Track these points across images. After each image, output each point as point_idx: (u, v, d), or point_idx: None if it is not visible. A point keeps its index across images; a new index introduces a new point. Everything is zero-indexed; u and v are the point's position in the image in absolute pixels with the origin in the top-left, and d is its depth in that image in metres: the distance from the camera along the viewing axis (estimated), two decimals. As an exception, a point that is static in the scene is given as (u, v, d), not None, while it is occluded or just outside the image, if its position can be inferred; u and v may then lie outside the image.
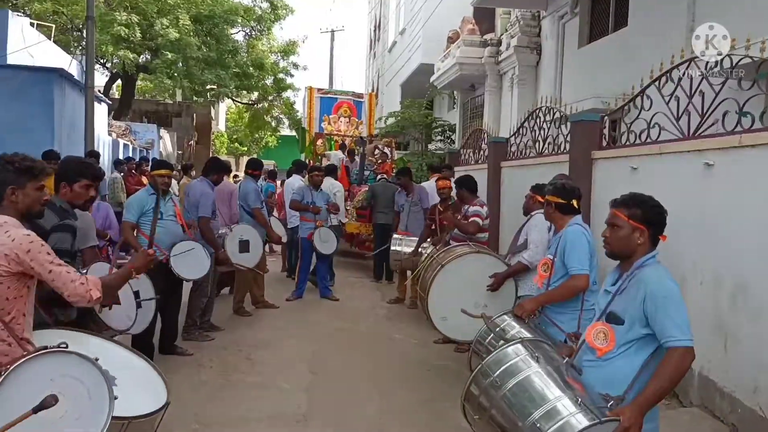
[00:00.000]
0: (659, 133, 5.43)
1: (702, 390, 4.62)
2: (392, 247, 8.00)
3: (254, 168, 8.14)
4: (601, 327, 2.73)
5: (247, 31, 23.63)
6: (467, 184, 6.50)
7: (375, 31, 33.67)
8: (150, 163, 10.41)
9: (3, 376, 2.09)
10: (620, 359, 2.66)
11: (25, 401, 2.06)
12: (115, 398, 2.30)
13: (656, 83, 5.45)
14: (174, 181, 12.04)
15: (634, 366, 2.63)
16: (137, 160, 13.71)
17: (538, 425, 2.45)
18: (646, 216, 2.71)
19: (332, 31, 37.23)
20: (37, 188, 2.86)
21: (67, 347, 2.32)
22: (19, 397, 2.09)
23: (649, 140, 5.59)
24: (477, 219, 6.22)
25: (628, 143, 5.99)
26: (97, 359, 2.31)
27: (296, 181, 9.85)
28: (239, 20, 21.98)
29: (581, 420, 2.39)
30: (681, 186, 4.94)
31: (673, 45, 6.89)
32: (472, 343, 3.62)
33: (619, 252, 2.77)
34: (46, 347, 2.33)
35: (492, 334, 3.51)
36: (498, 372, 2.70)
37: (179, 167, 14.61)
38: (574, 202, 3.98)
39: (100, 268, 4.07)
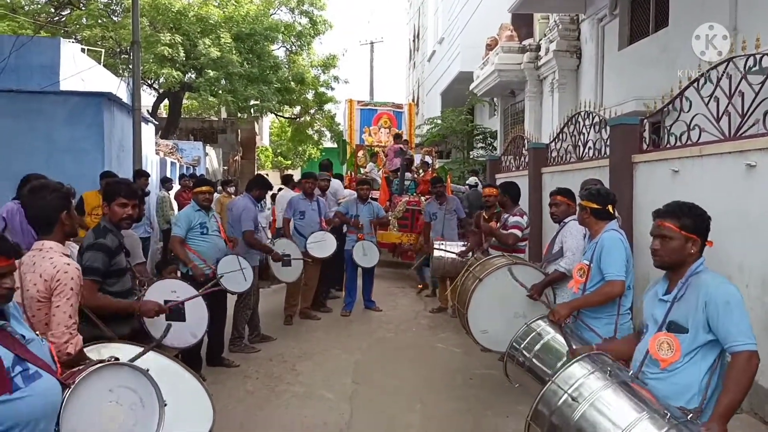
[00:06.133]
0: (699, 135, 5.34)
1: (752, 396, 4.50)
2: (435, 253, 8.02)
3: (302, 179, 8.49)
4: (664, 337, 2.70)
5: (288, 46, 24.03)
6: (511, 191, 6.46)
7: (414, 41, 33.81)
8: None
9: (70, 389, 2.22)
10: (686, 368, 2.64)
11: (90, 409, 2.19)
12: (165, 405, 2.43)
13: (695, 84, 5.37)
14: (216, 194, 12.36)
15: (700, 373, 2.62)
16: (188, 176, 14.10)
17: None
18: (696, 226, 2.72)
19: (371, 43, 37.52)
20: (72, 211, 3.01)
21: (118, 360, 2.46)
22: (86, 404, 2.22)
23: (689, 142, 5.50)
24: (516, 231, 6.16)
25: (668, 146, 5.91)
26: (147, 370, 2.45)
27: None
28: (280, 37, 22.39)
29: None
30: (723, 188, 4.85)
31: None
32: (507, 347, 3.62)
33: (672, 263, 2.75)
34: (103, 360, 2.47)
35: (527, 339, 3.51)
36: (570, 389, 2.63)
37: (220, 183, 14.92)
38: (610, 208, 3.95)
39: (160, 287, 4.23)
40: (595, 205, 3.95)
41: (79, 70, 12.56)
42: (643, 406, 2.48)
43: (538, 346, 3.41)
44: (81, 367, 2.42)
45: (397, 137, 13.40)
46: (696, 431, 2.37)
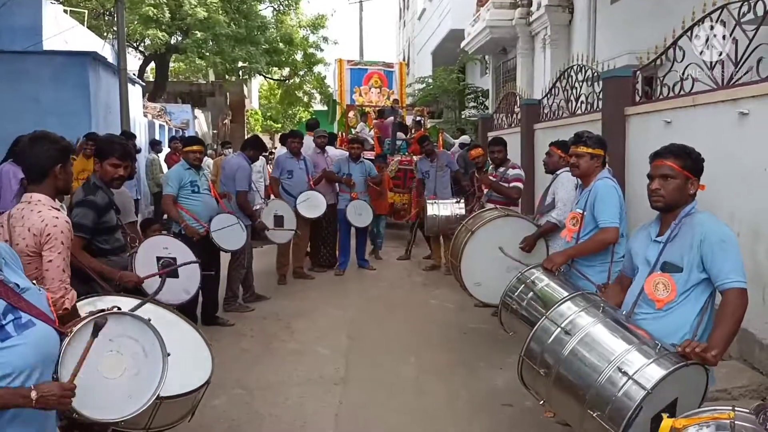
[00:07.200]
0: (692, 85, 5.29)
1: (741, 342, 4.55)
2: (428, 212, 8.01)
3: (288, 137, 8.37)
4: (659, 278, 2.72)
5: (275, 6, 23.61)
6: (506, 145, 6.53)
7: (404, -1, 33.26)
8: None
9: (69, 338, 2.16)
10: (680, 307, 2.67)
11: (89, 358, 2.16)
12: (168, 355, 2.43)
13: (688, 33, 5.30)
14: (209, 159, 12.28)
15: (693, 313, 2.65)
16: (179, 139, 13.95)
17: (624, 369, 2.38)
18: (696, 165, 2.72)
19: (360, 2, 36.84)
20: (69, 167, 2.95)
21: (120, 310, 2.44)
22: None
23: (682, 93, 5.46)
24: (519, 184, 6.20)
25: (661, 97, 5.87)
26: (149, 319, 2.44)
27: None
28: (267, -5, 22.03)
29: (664, 364, 2.36)
30: (716, 137, 4.82)
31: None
32: (501, 296, 3.63)
33: (673, 203, 2.73)
34: (103, 310, 2.45)
35: (521, 287, 3.52)
36: (564, 323, 2.64)
37: (215, 146, 14.80)
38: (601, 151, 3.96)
39: (152, 244, 4.20)
40: (603, 153, 3.94)
41: (62, 30, 12.28)
42: (633, 339, 2.50)
43: (531, 294, 3.43)
44: (81, 317, 2.40)
45: (381, 113, 13.26)
46: (686, 361, 2.39)
